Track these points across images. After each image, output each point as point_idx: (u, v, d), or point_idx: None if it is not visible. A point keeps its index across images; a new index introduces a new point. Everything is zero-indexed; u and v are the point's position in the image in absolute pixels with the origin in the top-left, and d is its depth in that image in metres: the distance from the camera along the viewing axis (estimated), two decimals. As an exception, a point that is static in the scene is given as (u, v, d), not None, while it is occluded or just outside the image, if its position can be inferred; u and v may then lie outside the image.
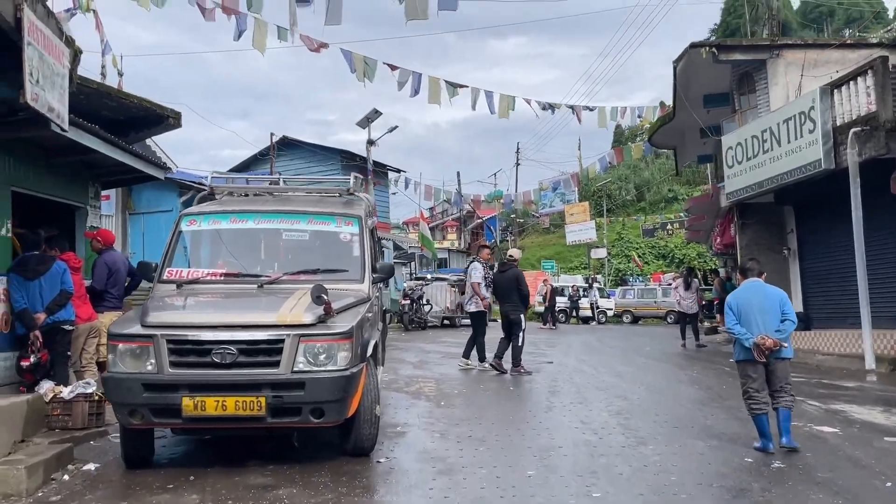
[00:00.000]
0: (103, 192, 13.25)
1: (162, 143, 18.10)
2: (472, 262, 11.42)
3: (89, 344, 7.30)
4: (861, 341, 10.94)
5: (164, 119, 13.19)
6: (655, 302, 31.89)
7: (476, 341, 10.92)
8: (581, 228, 43.39)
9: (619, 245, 44.32)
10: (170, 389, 4.88)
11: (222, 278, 6.03)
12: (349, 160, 24.88)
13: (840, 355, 11.90)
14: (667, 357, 13.54)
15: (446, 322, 22.52)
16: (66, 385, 6.47)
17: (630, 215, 48.65)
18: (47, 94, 5.78)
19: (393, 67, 14.00)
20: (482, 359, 10.82)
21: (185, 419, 4.87)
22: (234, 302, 5.64)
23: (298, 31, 12.80)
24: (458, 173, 40.26)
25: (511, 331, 10.41)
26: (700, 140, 22.04)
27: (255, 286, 5.82)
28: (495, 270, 11.21)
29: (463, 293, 23.07)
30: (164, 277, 5.99)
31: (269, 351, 4.98)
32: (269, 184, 8.03)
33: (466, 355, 10.97)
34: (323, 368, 4.99)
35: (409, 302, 20.08)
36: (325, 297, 5.07)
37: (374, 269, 6.33)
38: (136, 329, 5.05)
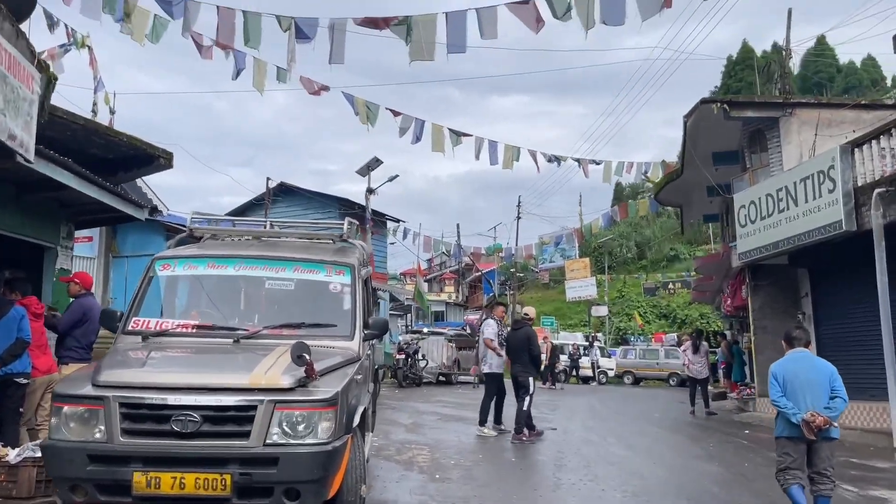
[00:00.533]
0: (84, 233, 12.68)
1: (158, 188, 17.65)
2: (485, 318, 10.81)
3: (46, 399, 6.55)
4: (888, 416, 10.21)
5: (154, 159, 12.67)
6: (658, 363, 31.04)
7: (484, 402, 10.23)
8: (581, 285, 42.76)
9: (619, 303, 43.61)
10: (120, 462, 4.14)
11: (194, 330, 5.34)
12: (347, 208, 24.37)
13: (864, 430, 11.11)
14: (678, 426, 12.72)
15: (442, 378, 21.67)
16: (14, 446, 5.72)
17: (631, 273, 48.10)
18: (9, 120, 5.20)
19: (395, 113, 13.57)
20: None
21: (136, 498, 4.12)
22: (203, 359, 4.94)
23: (299, 74, 12.41)
24: (458, 225, 39.89)
25: (518, 393, 9.80)
26: (707, 199, 21.61)
27: (231, 340, 5.13)
28: (509, 328, 10.60)
29: (460, 349, 22.32)
30: (129, 328, 5.30)
31: (239, 419, 4.25)
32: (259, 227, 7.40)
33: (497, 420, 10.27)
34: (301, 441, 4.26)
35: (403, 357, 19.27)
36: (308, 357, 4.38)
37: (366, 325, 5.65)
38: (86, 389, 4.33)
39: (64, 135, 11.02)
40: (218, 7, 8.80)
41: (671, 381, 30.17)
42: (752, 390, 14.84)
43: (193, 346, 5.18)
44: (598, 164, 17.61)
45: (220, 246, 6.23)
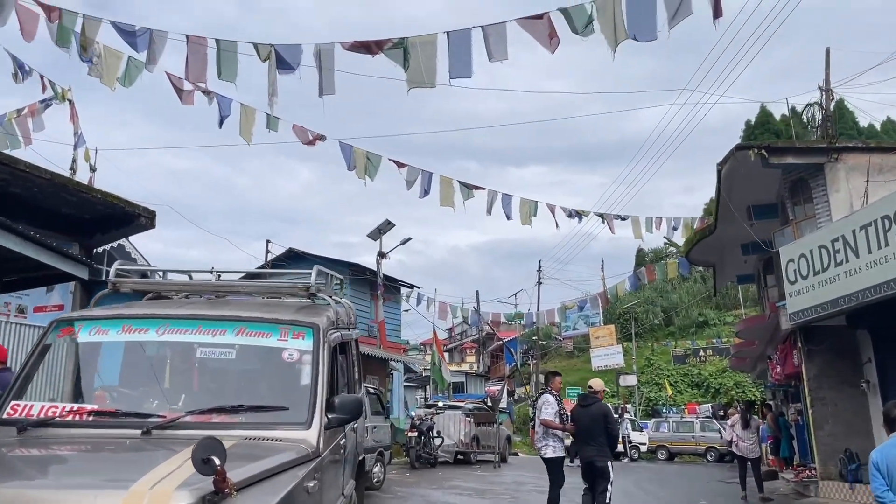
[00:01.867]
0: (54, 300, 11.40)
1: (167, 260, 16.46)
2: (541, 394, 9.33)
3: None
4: None
5: (134, 218, 11.48)
6: (693, 436, 28.81)
7: (553, 495, 8.80)
8: (607, 353, 40.75)
9: (648, 372, 41.38)
10: None
11: (91, 419, 3.90)
12: (359, 274, 23.08)
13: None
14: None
15: (460, 457, 19.77)
16: None
17: (659, 340, 45.94)
18: None
19: (400, 164, 12.37)
20: None
21: None
22: (82, 464, 3.50)
23: (292, 122, 11.32)
24: (477, 292, 38.34)
25: (595, 483, 8.43)
26: (741, 258, 20.02)
27: (140, 432, 3.70)
28: (576, 404, 9.12)
29: (479, 424, 20.47)
30: (6, 415, 3.89)
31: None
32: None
33: None
34: None
35: (416, 434, 17.50)
36: (217, 462, 2.90)
37: (330, 407, 4.18)
38: None
39: (30, 191, 9.88)
40: (187, 36, 7.70)
41: (709, 457, 27.93)
42: (813, 472, 12.90)
43: (82, 441, 3.72)
44: (623, 219, 16.21)
45: (148, 305, 4.85)
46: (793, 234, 14.41)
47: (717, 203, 15.81)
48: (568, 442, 9.14)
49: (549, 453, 8.78)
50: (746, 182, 14.92)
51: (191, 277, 5.28)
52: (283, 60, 7.56)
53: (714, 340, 42.17)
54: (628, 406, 36.63)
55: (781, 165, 13.91)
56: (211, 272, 5.26)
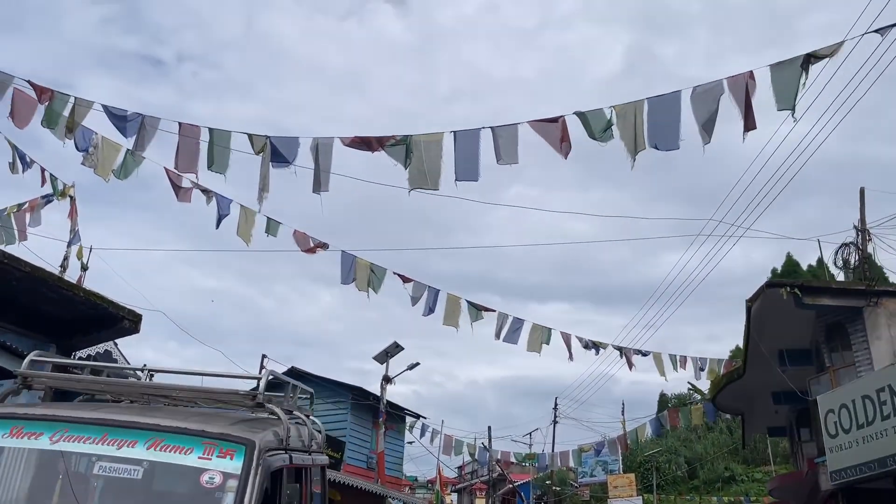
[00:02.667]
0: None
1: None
2: None
3: None
4: None
5: (118, 320, 10.82)
6: None
7: None
8: (626, 504, 38.05)
9: (671, 529, 38.29)
10: None
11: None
12: (361, 399, 21.84)
13: None
14: None
15: None
16: None
17: (682, 493, 42.90)
18: None
19: (405, 279, 11.66)
20: None
21: None
22: None
23: (294, 228, 10.81)
24: (489, 427, 36.46)
25: None
26: (772, 407, 18.61)
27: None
28: None
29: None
30: None
31: None
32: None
33: None
34: None
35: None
36: None
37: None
38: None
39: (7, 284, 9.29)
40: (180, 123, 7.29)
41: None
42: None
43: None
44: (644, 354, 15.13)
45: (54, 406, 3.98)
46: (830, 383, 13.21)
47: (747, 344, 14.75)
48: None
49: None
50: (778, 324, 13.93)
51: (108, 375, 4.42)
52: (278, 153, 7.07)
53: (742, 498, 39.23)
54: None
55: (816, 307, 12.97)
56: (142, 370, 4.41)
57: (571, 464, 21.81)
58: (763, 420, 20.62)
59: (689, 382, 53.56)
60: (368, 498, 18.33)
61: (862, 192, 13.94)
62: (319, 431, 5.71)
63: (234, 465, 3.42)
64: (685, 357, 15.86)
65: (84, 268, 12.17)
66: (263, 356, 19.74)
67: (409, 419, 23.08)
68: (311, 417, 5.50)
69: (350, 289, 10.89)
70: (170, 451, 3.41)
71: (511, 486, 47.54)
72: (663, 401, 57.02)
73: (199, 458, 3.42)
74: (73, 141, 8.04)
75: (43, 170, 11.03)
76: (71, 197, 11.77)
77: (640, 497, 38.73)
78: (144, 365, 4.47)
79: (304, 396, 5.56)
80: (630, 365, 15.26)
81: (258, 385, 4.11)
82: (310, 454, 4.93)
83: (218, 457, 3.44)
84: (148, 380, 4.38)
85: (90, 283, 13.28)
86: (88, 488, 3.41)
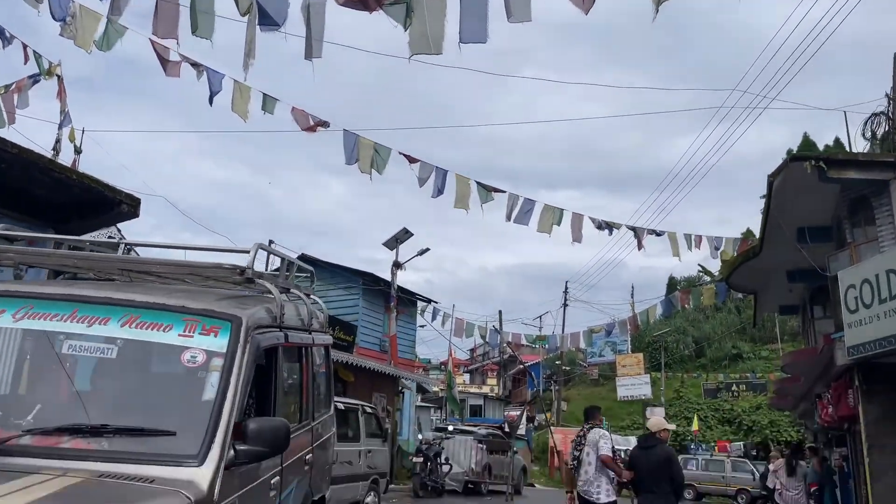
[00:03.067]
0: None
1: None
2: (591, 427, 7.96)
3: None
4: None
5: (115, 204, 10.46)
6: (724, 477, 26.90)
7: None
8: (634, 383, 39.05)
9: (676, 405, 39.38)
10: None
11: None
12: (372, 284, 21.85)
13: None
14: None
15: (470, 486, 18.29)
16: None
17: (689, 372, 43.88)
18: None
19: (412, 160, 11.14)
20: None
21: None
22: None
23: (292, 105, 10.21)
24: (500, 311, 36.94)
25: None
26: (786, 285, 18.39)
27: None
28: (636, 446, 8.13)
29: (492, 452, 18.96)
30: None
31: None
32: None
33: None
34: None
35: (422, 460, 16.07)
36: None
37: (243, 435, 2.90)
38: None
39: (-4, 167, 8.92)
40: (156, -20, 6.60)
41: (739, 500, 26.05)
42: (869, 530, 11.25)
43: None
44: (659, 234, 14.76)
45: (23, 284, 3.64)
46: (850, 259, 12.85)
47: (765, 222, 14.29)
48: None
49: (604, 497, 7.53)
50: (799, 200, 13.41)
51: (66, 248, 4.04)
52: (265, 14, 6.42)
53: (748, 375, 40.10)
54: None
55: (840, 181, 12.38)
56: (118, 243, 4.04)
57: (582, 345, 21.98)
58: (775, 299, 20.49)
59: (699, 265, 53.75)
60: (382, 379, 18.63)
61: (895, 57, 13.01)
62: (322, 311, 5.43)
63: (219, 342, 3.10)
64: (700, 237, 15.50)
65: (77, 150, 11.72)
66: (270, 241, 19.50)
67: (420, 303, 23.19)
68: (311, 297, 5.20)
69: (361, 178, 10.41)
70: (147, 329, 3.09)
71: (522, 366, 48.78)
72: (672, 284, 57.45)
73: (180, 335, 3.10)
74: (48, 8, 7.38)
75: (25, 46, 10.35)
76: (58, 76, 11.15)
77: (648, 375, 39.59)
78: (120, 236, 4.09)
79: (303, 275, 5.21)
80: (640, 245, 14.93)
81: (249, 259, 3.72)
82: (310, 333, 4.64)
83: (201, 334, 3.12)
84: (126, 254, 4.02)
85: (90, 171, 12.88)
86: (57, 370, 3.12)
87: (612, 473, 7.64)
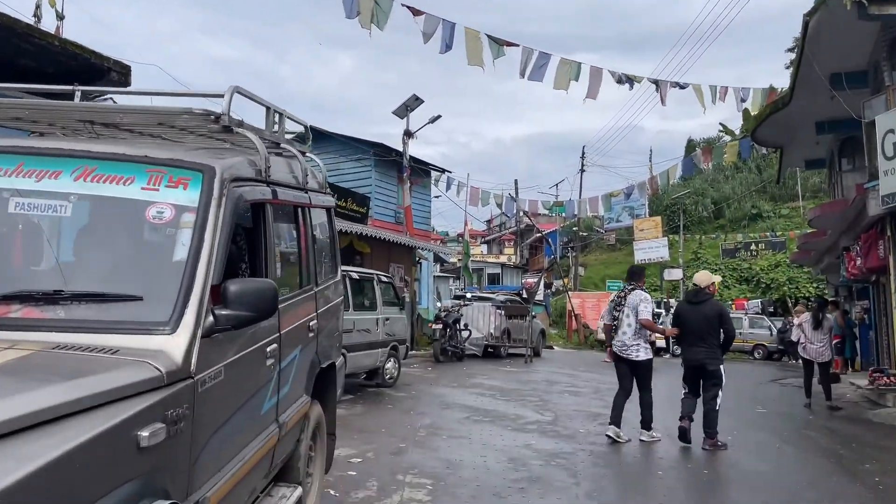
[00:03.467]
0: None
1: None
2: (632, 289, 7.86)
3: None
4: None
5: (104, 72, 9.87)
6: (741, 333, 27.17)
7: (643, 400, 7.71)
8: (651, 246, 38.87)
9: (694, 266, 39.42)
10: None
11: None
12: (384, 155, 21.27)
13: None
14: (802, 429, 9.22)
15: (490, 351, 18.55)
16: None
17: (707, 234, 43.61)
18: None
19: (416, 12, 10.28)
20: (648, 425, 7.72)
21: None
22: None
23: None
24: (516, 181, 36.31)
25: (703, 387, 7.64)
26: (814, 138, 17.63)
27: None
28: (684, 301, 8.40)
29: (511, 317, 19.06)
30: None
31: None
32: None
33: (645, 421, 7.71)
34: None
35: (441, 327, 16.17)
36: None
37: (223, 299, 2.54)
38: None
39: (-27, 35, 8.30)
40: None
41: (756, 355, 26.52)
42: (892, 379, 11.18)
43: None
44: (682, 87, 13.90)
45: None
46: (887, 103, 12.05)
47: (797, 67, 13.38)
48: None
49: (643, 355, 7.67)
50: (835, 42, 12.45)
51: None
52: None
53: (768, 234, 39.77)
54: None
55: (882, 17, 11.38)
56: (73, 90, 3.55)
57: (600, 210, 21.56)
58: (802, 152, 19.76)
59: (720, 124, 52.02)
60: (399, 250, 18.49)
61: None
62: (320, 171, 4.98)
63: (190, 196, 2.68)
64: (726, 88, 14.62)
65: (59, 17, 10.92)
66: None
67: (434, 174, 22.65)
68: (307, 155, 4.73)
69: (368, 51, 9.63)
70: (104, 182, 2.66)
71: (539, 234, 48.78)
72: (690, 146, 56.05)
73: (144, 188, 2.68)
74: None
75: None
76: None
77: (666, 238, 39.37)
78: (74, 83, 3.58)
79: (295, 132, 4.72)
80: (663, 100, 14.12)
81: (224, 104, 3.20)
82: (306, 192, 4.22)
83: (168, 187, 2.69)
84: (80, 101, 3.52)
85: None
86: (2, 232, 2.73)
87: (649, 334, 7.78)
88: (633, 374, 7.78)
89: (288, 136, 4.46)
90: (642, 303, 7.66)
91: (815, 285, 34.36)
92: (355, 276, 10.06)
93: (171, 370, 2.23)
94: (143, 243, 2.71)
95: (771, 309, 33.27)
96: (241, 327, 2.60)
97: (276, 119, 4.16)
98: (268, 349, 3.17)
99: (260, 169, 3.28)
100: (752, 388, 14.18)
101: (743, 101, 14.88)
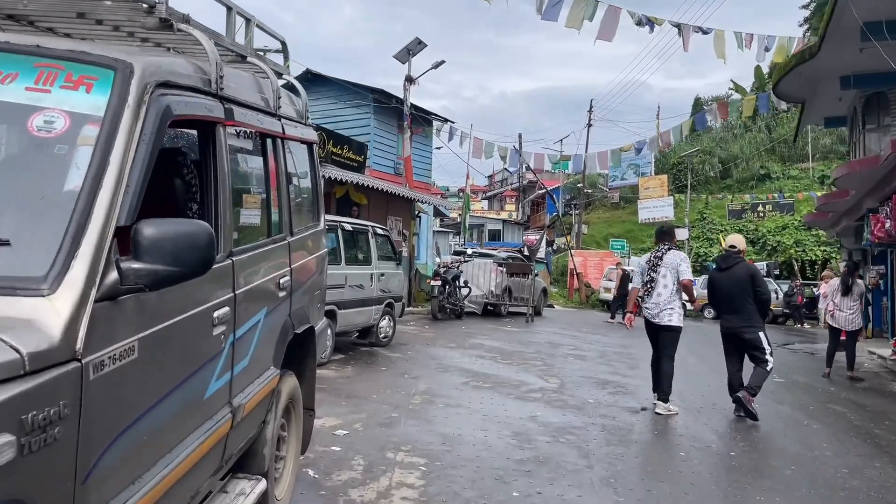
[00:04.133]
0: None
1: None
2: (668, 249, 7.28)
3: None
4: None
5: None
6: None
7: (666, 368, 7.11)
8: (657, 205, 38.07)
9: (700, 226, 38.66)
10: None
11: None
12: (384, 102, 20.26)
13: None
14: (826, 402, 8.55)
15: (490, 308, 17.90)
16: None
17: (713, 194, 42.70)
18: None
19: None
20: (665, 395, 7.13)
21: None
22: None
23: None
24: (520, 135, 35.29)
25: (749, 356, 7.26)
26: (837, 93, 16.69)
27: None
28: (713, 269, 7.81)
29: (512, 275, 18.33)
30: None
31: None
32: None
33: (663, 392, 7.12)
34: None
35: (440, 283, 15.45)
36: None
37: (134, 247, 1.77)
38: None
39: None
40: None
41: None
42: (917, 350, 10.53)
43: None
44: (706, 32, 12.92)
45: None
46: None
47: (830, 14, 12.39)
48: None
49: (676, 320, 7.07)
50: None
51: None
52: None
53: (775, 195, 38.89)
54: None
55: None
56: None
57: (609, 164, 20.64)
58: (822, 109, 18.84)
59: (731, 80, 50.52)
60: (397, 201, 17.68)
61: None
62: (301, 97, 4.17)
63: (94, 101, 1.90)
64: (751, 35, 13.61)
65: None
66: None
67: (436, 123, 21.67)
68: (284, 76, 3.92)
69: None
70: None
71: (543, 191, 47.85)
72: (698, 104, 54.64)
73: (28, 89, 1.90)
74: None
75: None
76: None
77: (671, 197, 38.50)
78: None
79: (271, 49, 3.91)
80: (685, 46, 13.15)
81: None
82: (278, 119, 3.43)
83: (63, 88, 1.91)
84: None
85: None
86: None
87: (685, 297, 7.23)
88: (658, 340, 7.20)
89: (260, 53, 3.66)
90: (683, 262, 7.12)
91: (822, 249, 33.65)
92: (348, 227, 9.29)
93: (39, 350, 1.49)
94: (20, 164, 1.94)
95: (776, 272, 32.60)
96: (160, 286, 1.84)
97: (243, 26, 3.36)
98: (215, 314, 2.43)
99: (209, 79, 2.50)
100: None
101: (766, 50, 13.90)
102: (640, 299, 7.31)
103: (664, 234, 7.55)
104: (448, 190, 55.61)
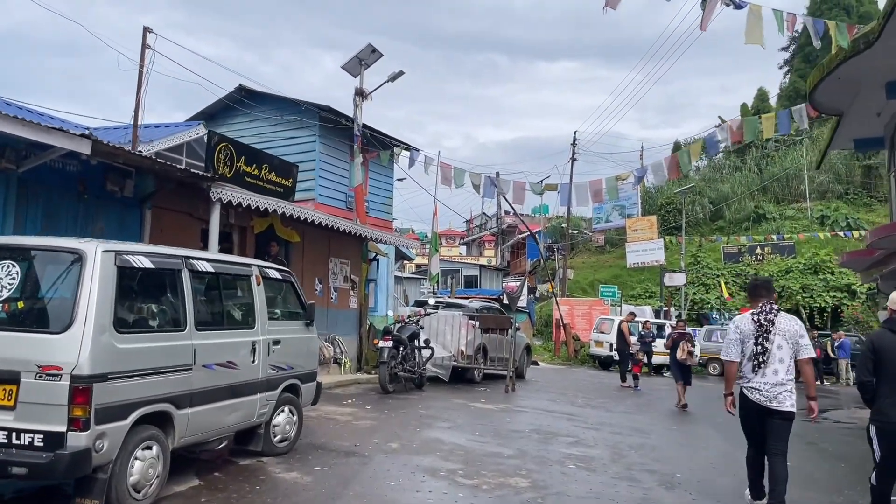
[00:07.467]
0: None
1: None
2: (777, 310, 5.57)
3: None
4: None
5: None
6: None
7: (778, 472, 5.28)
8: (646, 248, 34.89)
9: (694, 270, 35.46)
10: None
11: None
12: (332, 122, 16.86)
13: None
14: None
15: (460, 371, 14.22)
16: None
17: (704, 236, 39.72)
18: None
19: None
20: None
21: None
22: None
23: None
24: (497, 173, 32.04)
25: None
26: (876, 105, 13.60)
27: None
28: (882, 331, 5.39)
29: (487, 330, 14.76)
30: None
31: None
32: None
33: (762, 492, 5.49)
34: None
35: (390, 345, 11.74)
36: None
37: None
38: None
39: None
40: None
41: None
42: None
43: None
44: (738, 7, 9.73)
45: None
46: None
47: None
48: None
49: (789, 405, 5.39)
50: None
51: None
52: None
53: (773, 236, 35.95)
54: (673, 310, 31.00)
55: None
56: None
57: (605, 195, 17.29)
58: (854, 128, 15.73)
59: (719, 117, 48.06)
60: (343, 240, 14.10)
61: None
62: None
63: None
64: (794, 15, 10.45)
65: None
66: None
67: (397, 149, 18.25)
68: None
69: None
70: None
71: (523, 234, 44.61)
72: (678, 149, 52.24)
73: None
74: None
75: None
76: None
77: (661, 239, 35.40)
78: None
79: None
80: (704, 24, 10.00)
81: None
82: None
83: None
84: None
85: None
86: None
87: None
88: (766, 430, 5.41)
89: None
90: (805, 334, 5.47)
91: (831, 294, 30.52)
92: (204, 266, 5.62)
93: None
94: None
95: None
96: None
97: None
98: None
99: None
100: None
101: (818, 35, 10.71)
102: (740, 376, 5.61)
103: (761, 287, 5.71)
104: (426, 237, 52.29)
